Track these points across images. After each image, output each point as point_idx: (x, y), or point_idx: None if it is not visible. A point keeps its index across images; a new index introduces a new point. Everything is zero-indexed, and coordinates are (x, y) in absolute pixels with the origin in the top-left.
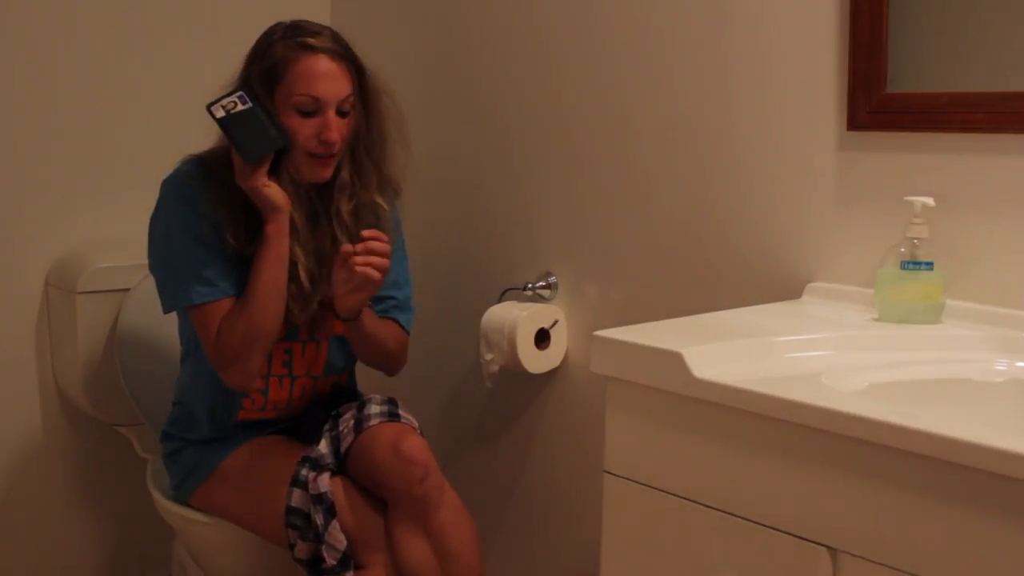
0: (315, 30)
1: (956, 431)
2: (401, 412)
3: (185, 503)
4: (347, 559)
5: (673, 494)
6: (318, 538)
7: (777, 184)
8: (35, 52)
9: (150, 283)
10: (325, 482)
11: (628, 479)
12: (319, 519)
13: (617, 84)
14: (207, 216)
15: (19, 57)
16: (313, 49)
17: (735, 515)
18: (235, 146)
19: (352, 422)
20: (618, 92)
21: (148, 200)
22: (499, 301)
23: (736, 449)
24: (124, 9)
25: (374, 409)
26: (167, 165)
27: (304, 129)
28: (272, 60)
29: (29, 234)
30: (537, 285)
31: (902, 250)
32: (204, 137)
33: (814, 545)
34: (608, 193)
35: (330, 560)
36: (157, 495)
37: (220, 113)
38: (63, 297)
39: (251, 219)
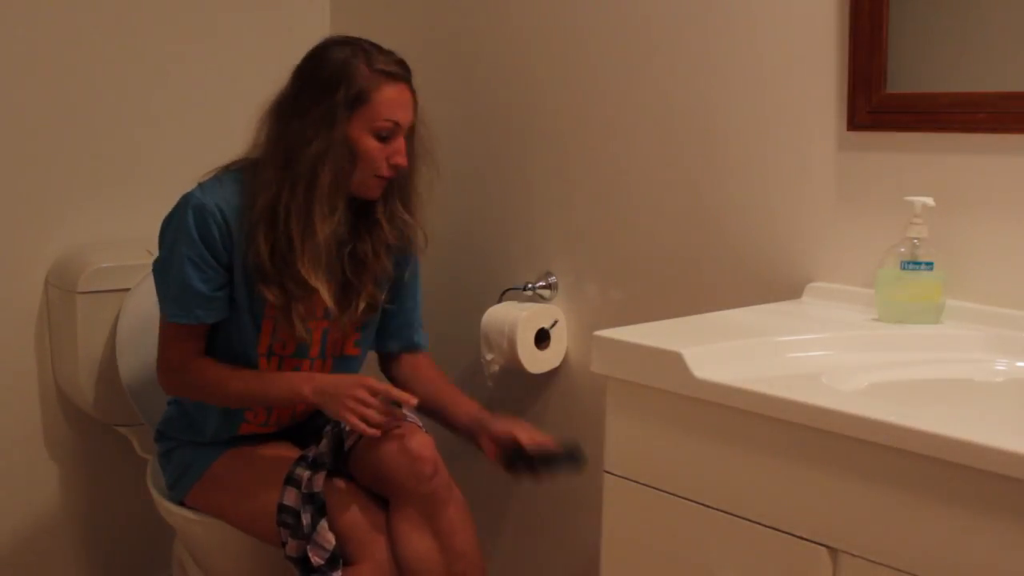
0: (388, 54)
1: (956, 431)
2: (405, 411)
3: (180, 503)
4: (335, 559)
5: (673, 494)
6: (307, 537)
7: (777, 184)
8: (35, 52)
9: (150, 283)
10: (319, 482)
11: (628, 479)
12: (307, 519)
13: (617, 84)
14: (218, 245)
15: (20, 57)
16: (395, 77)
17: (735, 515)
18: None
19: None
20: (618, 92)
21: (148, 200)
22: (499, 301)
23: (736, 449)
24: (124, 11)
25: None
26: (167, 165)
27: (379, 153)
28: (359, 86)
29: (29, 234)
30: (537, 285)
31: (902, 250)
32: (203, 137)
33: (814, 545)
34: (608, 193)
35: (317, 560)
36: (157, 495)
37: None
38: (63, 297)
39: (277, 246)
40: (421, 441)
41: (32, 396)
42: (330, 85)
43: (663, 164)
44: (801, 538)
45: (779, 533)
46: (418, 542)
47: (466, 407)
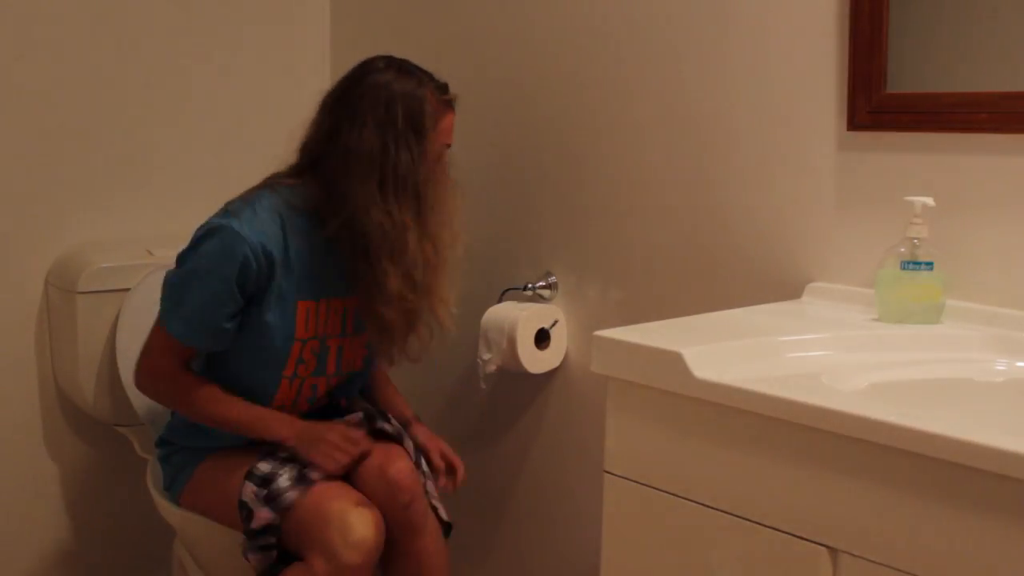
0: (433, 77)
1: (956, 431)
2: (385, 427)
3: (176, 504)
4: (269, 528)
5: (673, 494)
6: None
7: (777, 184)
8: (35, 52)
9: (150, 283)
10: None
11: (628, 479)
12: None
13: (617, 84)
14: (251, 283)
15: (20, 57)
16: (452, 106)
17: (735, 515)
18: None
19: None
20: (618, 92)
21: (148, 200)
22: (499, 301)
23: (736, 449)
24: (124, 11)
25: (385, 424)
26: (167, 166)
27: None
28: (433, 116)
29: (29, 234)
30: (537, 285)
31: (902, 250)
32: (203, 138)
33: (814, 545)
34: (608, 193)
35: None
36: (157, 495)
37: None
38: (63, 297)
39: (407, 269)
40: (400, 468)
41: (32, 396)
42: (410, 116)
43: (663, 164)
44: (801, 538)
45: (779, 533)
46: (394, 568)
47: (396, 409)
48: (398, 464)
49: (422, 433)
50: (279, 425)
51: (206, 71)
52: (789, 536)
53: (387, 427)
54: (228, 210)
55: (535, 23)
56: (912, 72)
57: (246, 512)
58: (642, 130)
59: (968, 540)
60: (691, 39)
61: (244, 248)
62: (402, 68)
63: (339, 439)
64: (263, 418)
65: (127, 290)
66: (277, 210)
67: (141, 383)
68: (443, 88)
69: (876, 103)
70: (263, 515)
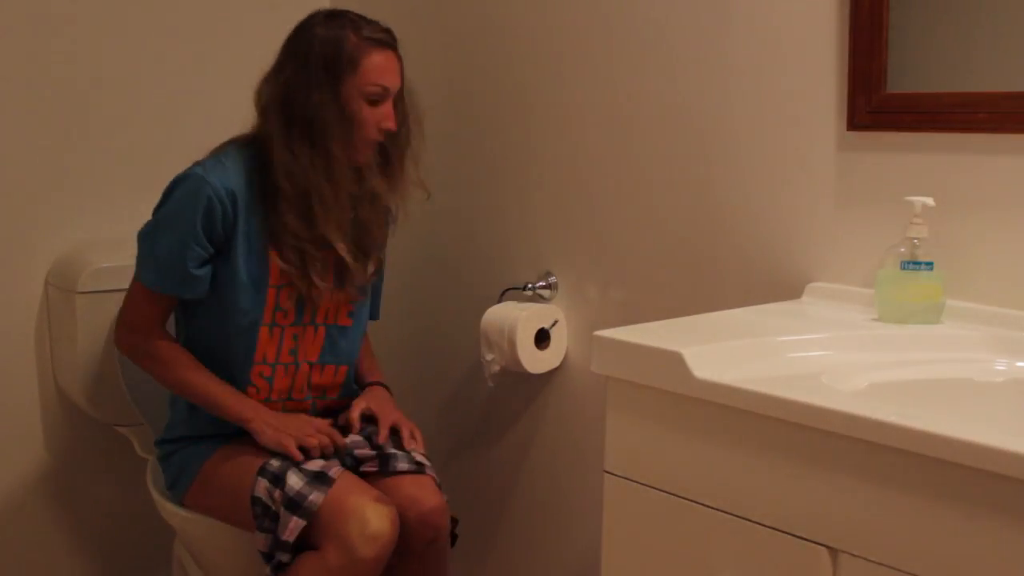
0: (374, 23)
1: (956, 431)
2: (422, 460)
3: (180, 504)
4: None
5: (673, 494)
6: (275, 521)
7: (777, 184)
8: (35, 52)
9: None
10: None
11: (628, 479)
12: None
13: (617, 84)
14: (218, 228)
15: (19, 57)
16: (382, 43)
17: (735, 515)
18: None
19: (374, 455)
20: (618, 92)
21: (149, 200)
22: (499, 301)
23: (736, 449)
24: (124, 10)
25: (401, 463)
26: (167, 165)
27: (370, 117)
28: (349, 54)
29: (29, 234)
30: (537, 285)
31: (902, 250)
32: (204, 136)
33: (814, 545)
34: (608, 193)
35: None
36: (157, 495)
37: None
38: (63, 297)
39: (300, 211)
40: (433, 507)
41: (32, 396)
42: (325, 57)
43: (663, 164)
44: (801, 538)
45: (779, 533)
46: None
47: (366, 372)
48: (433, 501)
49: (375, 400)
50: (243, 406)
51: (208, 69)
52: (789, 536)
53: (402, 466)
54: (196, 163)
55: (537, 19)
56: (912, 72)
57: (260, 508)
58: (642, 129)
59: (968, 540)
60: (691, 39)
61: (207, 190)
62: (332, 14)
63: (312, 430)
64: (226, 396)
65: (127, 290)
66: (243, 159)
67: (118, 339)
68: (378, 29)
69: (876, 103)
70: (295, 523)
